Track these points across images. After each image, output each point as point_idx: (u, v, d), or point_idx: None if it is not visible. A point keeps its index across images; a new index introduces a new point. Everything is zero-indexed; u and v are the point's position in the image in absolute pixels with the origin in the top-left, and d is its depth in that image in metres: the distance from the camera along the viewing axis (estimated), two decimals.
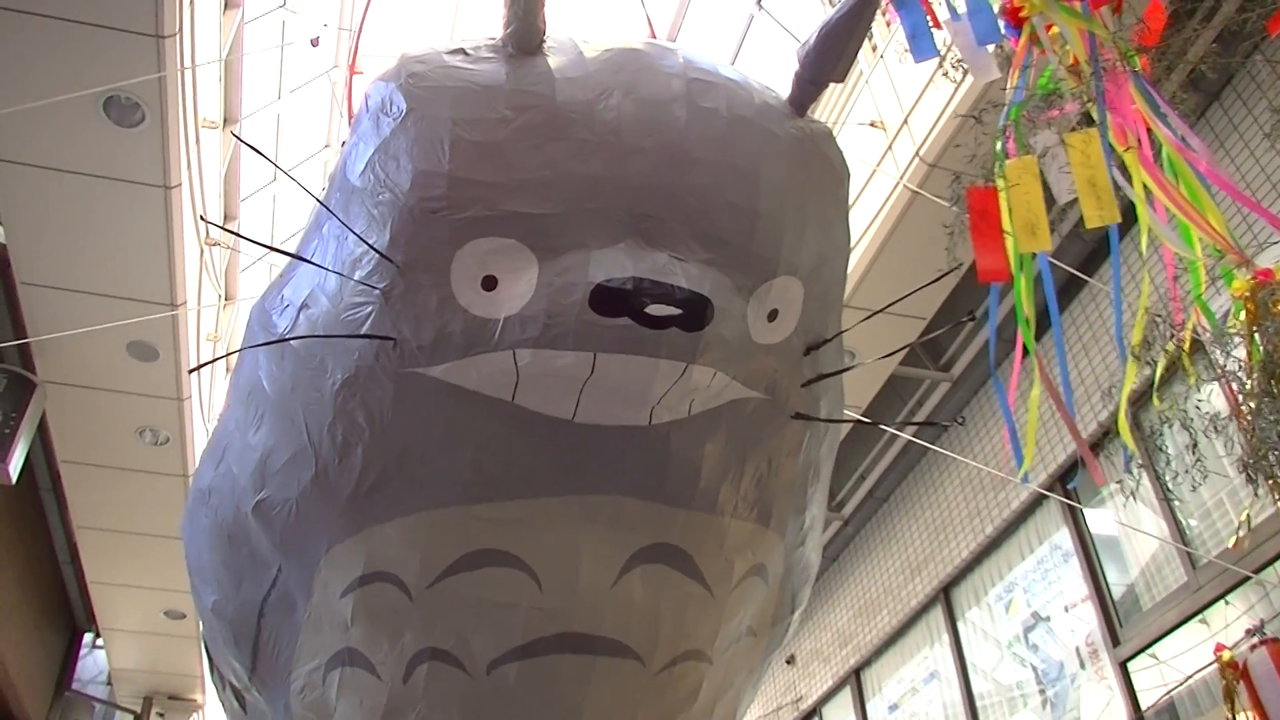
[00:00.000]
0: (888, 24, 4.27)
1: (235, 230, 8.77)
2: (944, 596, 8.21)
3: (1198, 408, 3.49)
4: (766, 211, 2.28)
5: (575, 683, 2.28)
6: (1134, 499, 4.89)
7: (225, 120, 8.30)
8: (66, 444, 8.63)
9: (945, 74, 4.06)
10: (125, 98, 5.98)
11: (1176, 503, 5.72)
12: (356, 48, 7.02)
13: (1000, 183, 2.88)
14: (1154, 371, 3.62)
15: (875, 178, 6.49)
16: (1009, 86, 3.10)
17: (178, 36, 5.75)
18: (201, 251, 7.67)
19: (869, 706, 9.22)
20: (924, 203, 5.82)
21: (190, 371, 7.92)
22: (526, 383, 2.12)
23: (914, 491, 8.86)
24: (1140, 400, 5.81)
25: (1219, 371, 3.26)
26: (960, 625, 8.04)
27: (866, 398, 7.83)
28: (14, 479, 7.66)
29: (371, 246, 2.21)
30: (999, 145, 3.07)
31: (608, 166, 2.19)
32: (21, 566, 10.30)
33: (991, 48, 3.31)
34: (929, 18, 3.58)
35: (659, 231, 2.16)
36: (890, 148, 6.39)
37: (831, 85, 2.55)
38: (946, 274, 3.03)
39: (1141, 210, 2.85)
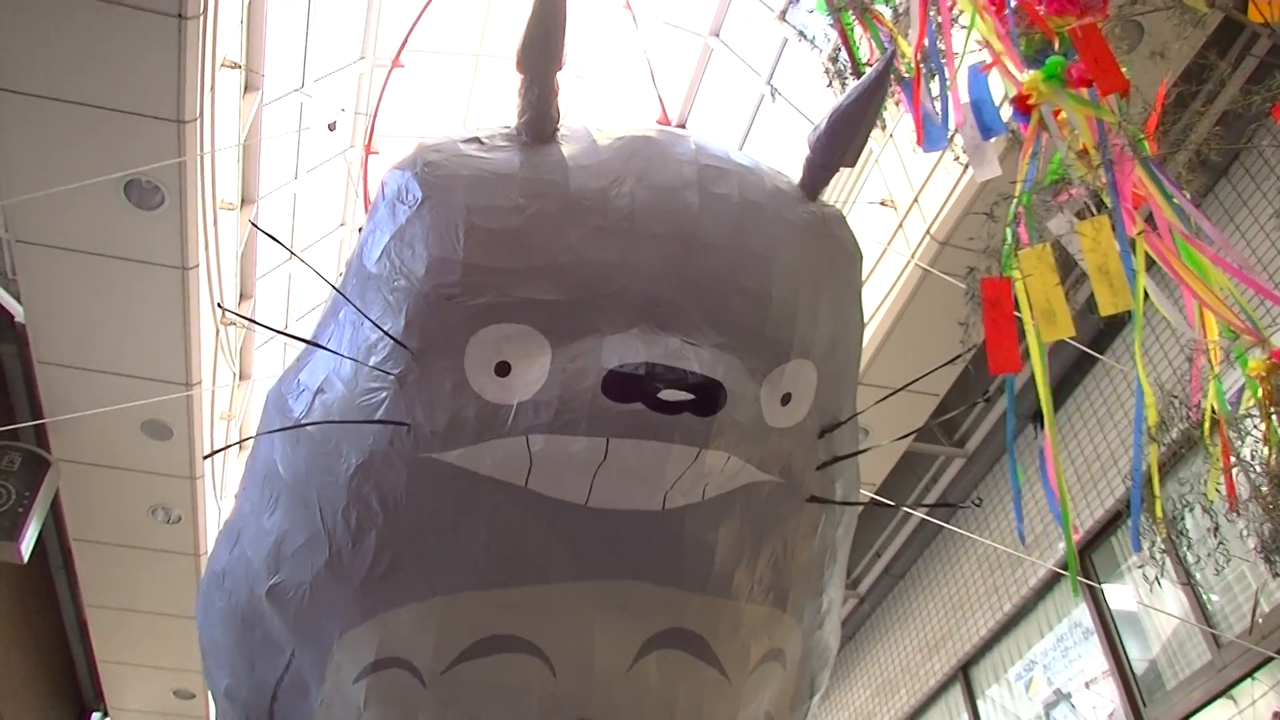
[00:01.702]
0: (897, 104, 4.33)
1: (250, 316, 8.84)
2: (963, 675, 8.09)
3: (1218, 490, 3.46)
4: (779, 296, 2.30)
5: None
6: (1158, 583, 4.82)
7: (243, 201, 8.41)
8: (79, 522, 8.62)
9: (956, 158, 4.10)
10: (146, 181, 6.07)
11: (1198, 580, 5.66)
12: (372, 130, 7.15)
13: (1015, 273, 2.90)
14: (1169, 451, 3.60)
15: (887, 256, 6.52)
16: (1019, 178, 3.13)
17: (198, 121, 5.86)
18: (217, 331, 7.73)
19: None
20: (935, 280, 5.84)
21: (205, 457, 7.94)
22: (540, 468, 2.12)
23: (930, 568, 8.78)
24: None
25: (1235, 460, 3.23)
26: (980, 704, 7.91)
27: (881, 475, 7.80)
28: (25, 557, 7.64)
29: (386, 333, 2.24)
30: (1009, 237, 3.10)
31: (621, 253, 2.21)
32: (30, 644, 10.23)
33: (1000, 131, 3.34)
34: (937, 108, 3.63)
35: (672, 316, 2.18)
36: (901, 226, 6.44)
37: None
38: (959, 358, 3.04)
39: (1138, 306, 2.87)
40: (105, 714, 11.93)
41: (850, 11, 4.18)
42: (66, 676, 11.58)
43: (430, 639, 2.26)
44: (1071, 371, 6.90)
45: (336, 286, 2.49)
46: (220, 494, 8.89)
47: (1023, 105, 3.07)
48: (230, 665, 2.75)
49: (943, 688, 8.36)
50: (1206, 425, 3.34)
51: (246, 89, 7.74)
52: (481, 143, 2.38)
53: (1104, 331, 6.35)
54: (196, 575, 8.62)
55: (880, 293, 6.59)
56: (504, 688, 2.24)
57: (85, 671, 11.42)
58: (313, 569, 2.35)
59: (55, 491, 8.02)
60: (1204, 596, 5.75)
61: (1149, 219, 3.09)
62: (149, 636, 9.83)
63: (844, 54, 4.61)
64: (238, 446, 8.95)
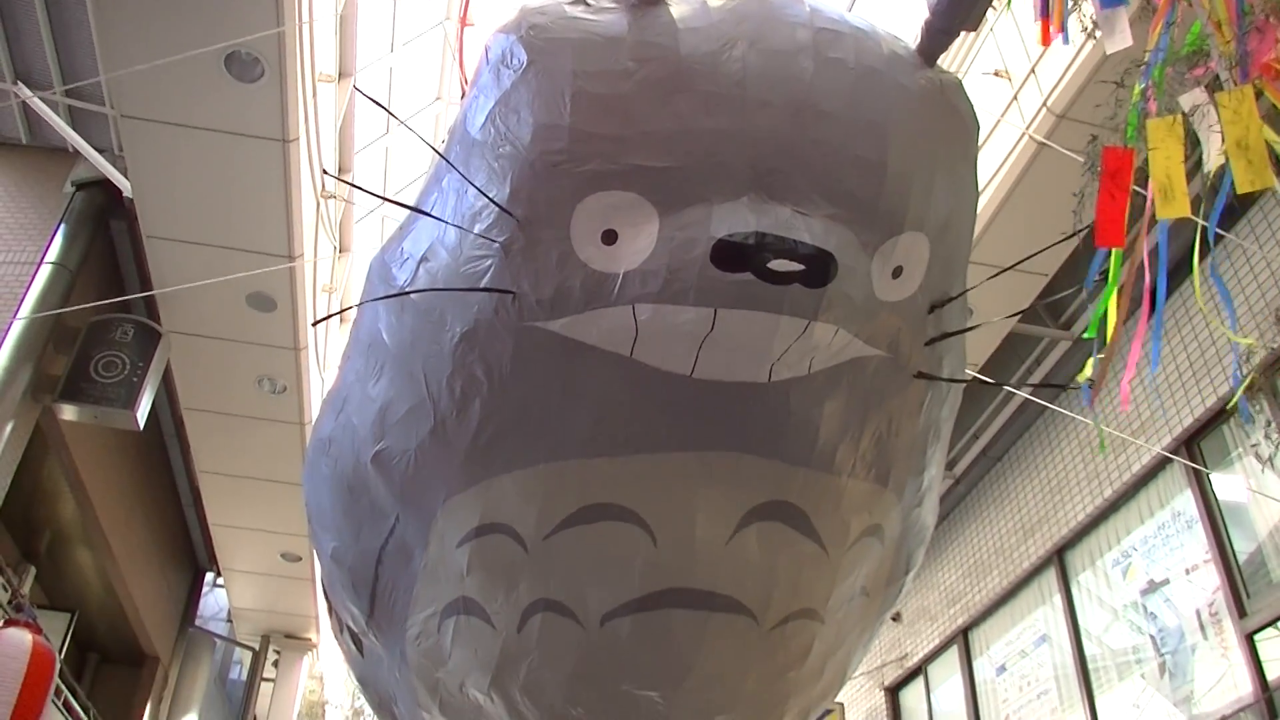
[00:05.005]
0: None
1: (352, 182, 8.90)
2: (1058, 559, 8.03)
3: None
4: (894, 166, 2.21)
5: (688, 638, 2.27)
6: (1270, 465, 4.68)
7: (340, 74, 8.41)
8: (189, 392, 8.93)
9: (1084, 29, 3.87)
10: (245, 53, 6.09)
11: None
12: (468, 1, 7.04)
13: (1140, 144, 2.78)
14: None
15: (1000, 130, 6.28)
16: (1148, 48, 2.95)
17: None
18: (318, 204, 7.81)
19: (975, 666, 9.10)
20: (1050, 155, 5.63)
21: (313, 324, 8.08)
22: (646, 338, 2.09)
23: (1029, 451, 8.67)
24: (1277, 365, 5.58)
25: None
26: (1074, 589, 7.86)
27: (983, 356, 7.66)
28: (141, 425, 7.94)
29: (492, 200, 2.20)
30: (1137, 107, 2.94)
31: (732, 120, 2.13)
32: (149, 509, 10.71)
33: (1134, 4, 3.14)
34: None
35: (783, 186, 2.11)
36: (1015, 98, 6.18)
37: None
38: (1071, 236, 2.92)
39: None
40: (218, 574, 12.51)
41: None
42: (182, 539, 12.15)
43: (533, 505, 2.28)
44: (1187, 256, 6.63)
45: (440, 152, 2.45)
46: (324, 365, 9.10)
47: None
48: (336, 530, 2.82)
49: (1036, 571, 8.32)
50: None
51: None
52: (588, 4, 2.30)
53: (1228, 210, 6.08)
54: (302, 443, 8.89)
55: (991, 168, 6.35)
56: (605, 555, 2.26)
57: (199, 534, 11.97)
58: (417, 436, 2.37)
59: (166, 362, 8.28)
60: None
61: None
62: (257, 502, 10.23)
63: None
64: (339, 318, 9.13)
